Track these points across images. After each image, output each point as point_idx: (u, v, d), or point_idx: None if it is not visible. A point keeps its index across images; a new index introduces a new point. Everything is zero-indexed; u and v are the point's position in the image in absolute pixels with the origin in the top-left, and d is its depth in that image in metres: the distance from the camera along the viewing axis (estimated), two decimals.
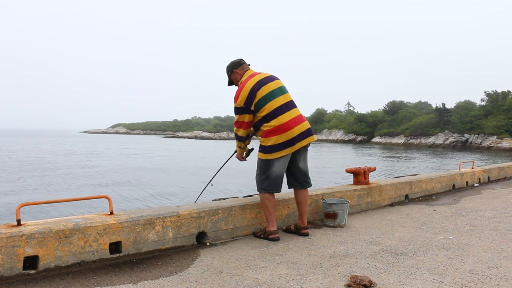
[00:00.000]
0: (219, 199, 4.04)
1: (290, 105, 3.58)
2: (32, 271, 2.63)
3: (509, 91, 61.29)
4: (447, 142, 59.87)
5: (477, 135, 57.81)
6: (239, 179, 17.39)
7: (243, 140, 3.74)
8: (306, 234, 3.74)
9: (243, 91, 3.51)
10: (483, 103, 64.48)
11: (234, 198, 4.13)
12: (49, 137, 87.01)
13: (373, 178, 5.83)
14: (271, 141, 3.48)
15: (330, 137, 79.86)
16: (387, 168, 23.40)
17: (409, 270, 2.80)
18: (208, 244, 3.46)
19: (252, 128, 3.71)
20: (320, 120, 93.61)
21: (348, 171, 5.35)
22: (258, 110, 3.52)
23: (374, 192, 5.31)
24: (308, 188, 3.80)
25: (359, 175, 5.30)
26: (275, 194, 3.69)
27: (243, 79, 3.63)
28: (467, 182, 7.66)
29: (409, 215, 4.79)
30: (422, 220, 4.53)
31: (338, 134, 79.34)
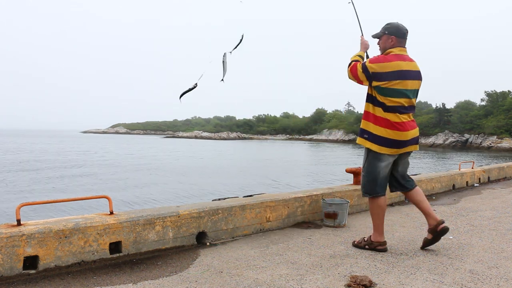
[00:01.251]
0: (219, 199, 4.04)
1: (410, 109, 3.20)
2: (32, 271, 2.63)
3: (509, 91, 61.31)
4: (447, 142, 59.89)
5: (477, 135, 57.83)
6: (239, 179, 17.40)
7: (351, 77, 3.30)
8: (446, 229, 3.22)
9: (386, 64, 3.10)
10: (483, 103, 64.51)
11: (234, 198, 4.13)
12: (49, 137, 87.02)
13: None
14: (382, 132, 3.12)
15: (330, 137, 79.88)
16: None
17: (409, 270, 2.80)
18: (208, 244, 3.46)
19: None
20: (320, 120, 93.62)
21: (348, 171, 5.35)
22: (382, 94, 3.11)
23: None
24: (412, 187, 3.35)
25: (359, 175, 5.29)
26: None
27: (393, 51, 3.17)
28: (467, 182, 7.66)
29: (409, 215, 4.79)
30: (422, 220, 4.52)
31: (338, 134, 79.35)
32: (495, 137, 54.10)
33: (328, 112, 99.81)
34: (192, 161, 28.17)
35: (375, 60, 3.17)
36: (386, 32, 3.22)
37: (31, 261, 2.65)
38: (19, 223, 2.71)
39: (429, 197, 6.31)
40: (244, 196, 4.28)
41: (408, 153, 3.33)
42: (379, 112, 3.15)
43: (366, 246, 3.31)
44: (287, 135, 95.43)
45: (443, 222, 3.23)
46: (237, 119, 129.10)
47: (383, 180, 3.26)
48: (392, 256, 3.15)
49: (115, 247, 3.00)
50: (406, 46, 3.25)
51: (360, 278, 2.54)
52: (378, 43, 3.32)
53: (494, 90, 62.90)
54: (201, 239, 3.49)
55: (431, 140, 61.69)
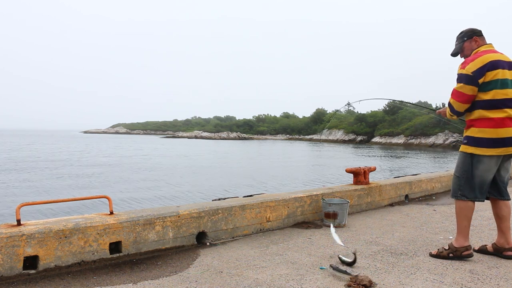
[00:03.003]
0: (219, 199, 4.04)
1: None
2: (32, 271, 2.63)
3: None
4: (447, 142, 59.85)
5: None
6: (239, 179, 17.40)
7: (457, 115, 3.08)
8: (510, 258, 3.02)
9: (477, 60, 2.92)
10: None
11: (234, 198, 4.13)
12: (49, 137, 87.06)
13: (373, 178, 5.83)
14: (484, 133, 2.90)
15: (330, 137, 79.86)
16: (387, 168, 23.40)
17: (409, 270, 2.80)
18: (208, 244, 3.46)
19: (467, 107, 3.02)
20: (320, 120, 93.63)
21: (348, 171, 5.35)
22: (483, 90, 2.91)
23: (374, 192, 5.31)
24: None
25: (359, 175, 5.30)
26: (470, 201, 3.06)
27: (481, 49, 3.05)
28: None
29: (409, 215, 4.79)
30: (422, 220, 4.53)
31: (338, 134, 79.34)
32: None
33: (328, 112, 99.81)
34: (192, 161, 28.18)
35: (466, 63, 2.98)
36: (465, 38, 3.14)
37: (31, 261, 2.65)
38: (19, 223, 2.71)
39: (429, 197, 6.32)
40: (244, 196, 4.28)
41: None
42: (481, 113, 2.94)
43: (451, 255, 3.03)
44: (287, 135, 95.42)
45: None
46: (237, 119, 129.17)
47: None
48: (392, 256, 3.15)
49: (115, 247, 3.00)
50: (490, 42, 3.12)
51: (360, 278, 2.54)
52: (462, 55, 3.17)
53: None
54: (201, 239, 3.49)
55: (431, 140, 61.67)
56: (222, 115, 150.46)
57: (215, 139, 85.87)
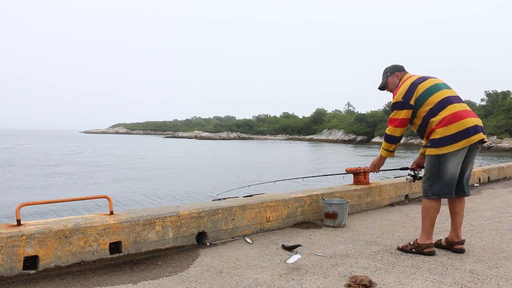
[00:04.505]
0: (219, 199, 4.04)
1: (459, 99, 3.16)
2: (32, 271, 2.63)
3: (509, 91, 61.30)
4: None
5: None
6: (239, 179, 17.40)
7: (394, 142, 3.31)
8: (462, 251, 3.24)
9: (403, 85, 3.24)
10: (483, 103, 64.51)
11: (234, 198, 4.13)
12: (48, 137, 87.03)
13: (373, 178, 5.83)
14: (439, 133, 3.05)
15: (330, 137, 79.86)
16: (387, 168, 23.42)
17: (409, 270, 2.80)
18: (208, 244, 3.46)
19: (405, 130, 3.29)
20: (320, 120, 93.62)
21: (348, 171, 5.35)
22: (421, 105, 3.13)
23: (374, 192, 5.31)
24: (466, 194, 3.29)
25: (359, 175, 5.30)
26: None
27: (404, 78, 3.37)
28: None
29: (409, 215, 4.79)
30: None
31: (338, 134, 79.34)
32: (495, 137, 54.07)
33: (328, 112, 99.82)
34: (192, 161, 28.18)
35: (395, 93, 3.29)
36: (388, 74, 3.48)
37: (31, 261, 2.65)
38: (19, 223, 2.71)
39: None
40: (244, 196, 4.28)
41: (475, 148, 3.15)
42: (434, 119, 3.09)
43: (413, 250, 3.20)
44: (287, 135, 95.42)
45: (462, 244, 3.27)
46: (237, 119, 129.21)
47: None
48: (392, 256, 3.15)
49: (115, 247, 3.00)
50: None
51: (360, 278, 2.54)
52: (388, 89, 3.50)
53: (494, 90, 62.91)
54: (201, 239, 3.49)
55: None
56: (222, 115, 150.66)
57: (215, 139, 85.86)
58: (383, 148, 3.39)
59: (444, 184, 3.11)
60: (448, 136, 3.01)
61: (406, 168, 3.48)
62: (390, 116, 3.31)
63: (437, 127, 3.06)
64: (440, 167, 3.09)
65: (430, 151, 3.13)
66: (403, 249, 3.28)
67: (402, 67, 3.48)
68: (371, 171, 3.60)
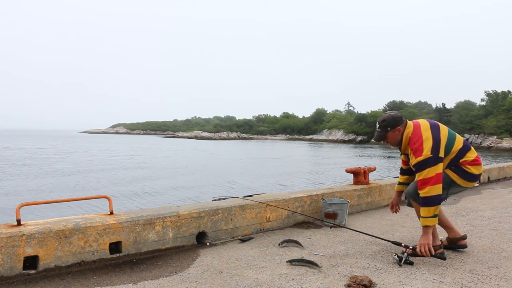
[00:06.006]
0: (219, 199, 4.04)
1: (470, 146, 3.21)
2: (32, 271, 2.63)
3: (509, 91, 61.30)
4: None
5: (477, 135, 57.81)
6: (239, 179, 17.40)
7: (440, 202, 2.94)
8: (465, 246, 3.30)
9: (424, 139, 2.98)
10: (483, 103, 64.50)
11: (234, 198, 4.13)
12: (48, 137, 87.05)
13: (373, 178, 5.83)
14: (471, 170, 3.07)
15: (330, 137, 79.84)
16: (387, 168, 23.41)
17: (409, 270, 2.80)
18: (208, 244, 3.46)
19: None
20: (320, 120, 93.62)
21: (348, 171, 5.35)
22: (449, 152, 3.05)
23: (374, 192, 5.31)
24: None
25: (359, 175, 5.29)
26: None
27: (408, 132, 3.11)
28: None
29: (409, 215, 4.78)
30: None
31: (338, 134, 79.33)
32: (495, 137, 54.08)
33: (328, 112, 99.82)
34: (192, 161, 28.18)
35: (418, 150, 2.97)
36: (389, 129, 3.15)
37: (31, 261, 2.65)
38: (19, 223, 2.71)
39: None
40: (244, 196, 4.28)
41: None
42: (463, 160, 3.11)
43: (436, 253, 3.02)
44: (287, 135, 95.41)
45: (464, 239, 3.32)
46: (237, 119, 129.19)
47: None
48: (392, 256, 3.14)
49: (115, 247, 3.00)
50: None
51: (360, 278, 2.54)
52: (389, 141, 3.20)
53: (494, 90, 62.90)
54: (201, 239, 3.49)
55: None
56: (222, 115, 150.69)
57: (215, 139, 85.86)
58: (427, 217, 2.93)
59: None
60: (472, 175, 3.09)
61: (399, 244, 3.10)
62: (423, 177, 2.91)
63: (469, 164, 3.08)
64: (443, 188, 3.00)
65: (449, 172, 3.09)
66: (414, 249, 3.02)
67: (401, 117, 3.17)
68: (425, 254, 2.97)
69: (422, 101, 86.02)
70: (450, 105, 69.62)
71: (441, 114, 64.43)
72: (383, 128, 3.17)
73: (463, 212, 5.06)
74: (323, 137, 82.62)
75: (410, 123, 3.17)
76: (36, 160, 25.93)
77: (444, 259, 2.99)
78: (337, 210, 4.16)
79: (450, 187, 3.12)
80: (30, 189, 14.19)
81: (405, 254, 2.95)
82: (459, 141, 3.13)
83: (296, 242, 3.48)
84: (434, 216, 2.93)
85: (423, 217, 2.95)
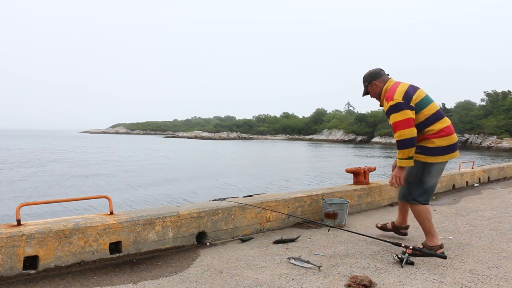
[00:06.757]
0: (219, 199, 4.04)
1: (443, 113, 3.23)
2: (32, 271, 2.63)
3: (509, 91, 61.31)
4: None
5: (477, 135, 57.82)
6: (239, 179, 17.40)
7: (412, 145, 3.01)
8: (406, 234, 3.68)
9: (398, 89, 3.10)
10: (483, 103, 64.51)
11: (234, 198, 4.13)
12: (47, 137, 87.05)
13: (373, 178, 5.83)
14: (435, 143, 3.08)
15: (330, 137, 79.86)
16: (387, 168, 23.41)
17: (409, 270, 2.80)
18: (208, 244, 3.46)
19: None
20: (320, 120, 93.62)
21: (348, 171, 5.35)
22: (418, 112, 3.09)
23: (374, 192, 5.31)
24: None
25: (359, 175, 5.29)
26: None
27: (387, 85, 3.24)
28: (467, 182, 7.66)
29: (409, 215, 4.78)
30: None
31: (338, 134, 79.35)
32: (495, 137, 54.09)
33: (328, 112, 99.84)
34: (192, 161, 28.18)
35: (390, 97, 3.10)
36: (367, 84, 3.35)
37: (31, 261, 2.65)
38: (19, 223, 2.71)
39: None
40: (244, 196, 4.28)
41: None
42: (428, 129, 3.12)
43: (425, 250, 3.11)
44: (287, 135, 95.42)
45: (407, 228, 3.70)
46: (237, 119, 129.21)
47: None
48: (392, 256, 3.14)
49: (115, 247, 3.00)
50: (388, 74, 3.35)
51: (360, 278, 2.54)
52: (372, 96, 3.36)
53: (494, 90, 62.91)
54: (201, 239, 3.49)
55: None
56: (222, 115, 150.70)
57: (215, 139, 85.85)
58: (400, 158, 3.07)
59: (423, 191, 3.19)
60: (441, 147, 3.09)
61: (399, 244, 3.10)
62: (394, 121, 3.04)
63: (433, 136, 3.09)
64: (423, 174, 3.15)
65: (419, 157, 3.13)
66: (415, 249, 3.07)
67: (379, 72, 3.32)
68: (395, 185, 3.18)
69: None
70: (450, 105, 69.69)
71: None
72: (363, 84, 3.40)
73: (463, 212, 5.06)
74: (323, 137, 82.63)
75: (392, 79, 3.31)
76: (36, 160, 25.94)
77: (445, 258, 3.00)
78: (337, 210, 4.16)
79: (425, 169, 3.15)
80: (30, 189, 14.19)
81: (406, 254, 2.96)
82: (433, 107, 3.15)
83: (291, 240, 3.56)
84: (409, 158, 3.05)
85: (399, 159, 3.10)
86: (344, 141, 73.88)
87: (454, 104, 70.32)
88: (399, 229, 3.68)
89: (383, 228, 3.81)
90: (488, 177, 8.47)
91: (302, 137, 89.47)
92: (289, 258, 2.99)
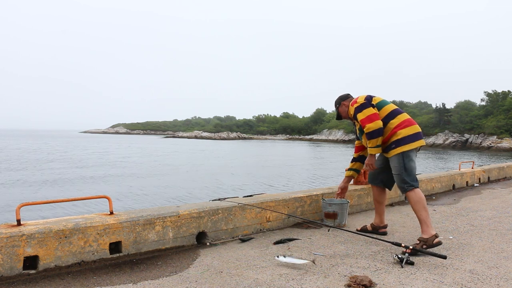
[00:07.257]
0: (219, 199, 4.04)
1: (401, 110, 3.69)
2: (32, 271, 2.63)
3: (509, 91, 61.34)
4: (447, 142, 59.89)
5: (477, 135, 57.84)
6: (239, 179, 17.40)
7: (380, 134, 3.45)
8: (386, 233, 3.85)
9: (359, 96, 3.64)
10: (483, 103, 64.54)
11: (234, 198, 4.13)
12: (47, 137, 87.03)
13: None
14: (402, 133, 3.47)
15: (330, 137, 79.87)
16: None
17: (409, 270, 2.80)
18: (208, 244, 3.46)
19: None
20: (320, 120, 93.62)
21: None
22: (379, 110, 3.56)
23: None
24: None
25: (359, 175, 5.29)
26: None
27: (353, 99, 3.73)
28: (467, 182, 7.66)
29: (409, 215, 4.78)
30: None
31: (338, 134, 79.34)
32: (495, 137, 54.11)
33: (328, 112, 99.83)
34: (192, 161, 28.19)
35: (354, 101, 3.64)
36: (337, 106, 3.85)
37: (31, 261, 2.65)
38: (19, 223, 2.71)
39: (429, 197, 6.32)
40: (244, 196, 4.28)
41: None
42: (391, 123, 3.54)
43: (424, 247, 3.22)
44: (287, 135, 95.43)
45: (386, 227, 3.92)
46: (237, 119, 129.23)
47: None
48: (392, 256, 3.14)
49: (115, 247, 3.00)
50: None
51: (360, 278, 2.54)
52: (343, 116, 3.83)
53: (494, 90, 62.94)
54: (201, 239, 3.49)
55: (431, 140, 61.66)
56: (222, 115, 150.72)
57: (215, 139, 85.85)
58: (370, 147, 3.51)
59: (413, 176, 3.47)
60: (409, 136, 3.47)
61: (399, 244, 3.12)
62: (362, 118, 3.50)
63: (398, 129, 3.49)
64: (405, 163, 3.46)
65: (396, 151, 3.48)
66: (416, 250, 3.09)
67: (347, 95, 3.85)
68: (369, 170, 3.70)
69: (422, 101, 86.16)
70: (450, 105, 69.69)
71: (441, 114, 64.45)
72: (335, 107, 3.90)
73: (463, 212, 5.06)
74: (323, 137, 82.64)
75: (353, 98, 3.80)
76: (36, 160, 25.94)
77: (445, 258, 3.00)
78: (337, 210, 4.16)
79: (404, 158, 3.46)
80: (30, 189, 14.20)
81: (406, 254, 2.96)
82: (391, 106, 3.64)
83: (291, 240, 3.59)
84: (377, 146, 3.50)
85: (369, 147, 3.53)
86: (344, 141, 73.85)
87: (454, 104, 70.33)
88: (378, 229, 3.88)
89: (363, 230, 3.93)
90: (488, 177, 8.47)
91: (302, 137, 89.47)
92: (278, 256, 2.93)
